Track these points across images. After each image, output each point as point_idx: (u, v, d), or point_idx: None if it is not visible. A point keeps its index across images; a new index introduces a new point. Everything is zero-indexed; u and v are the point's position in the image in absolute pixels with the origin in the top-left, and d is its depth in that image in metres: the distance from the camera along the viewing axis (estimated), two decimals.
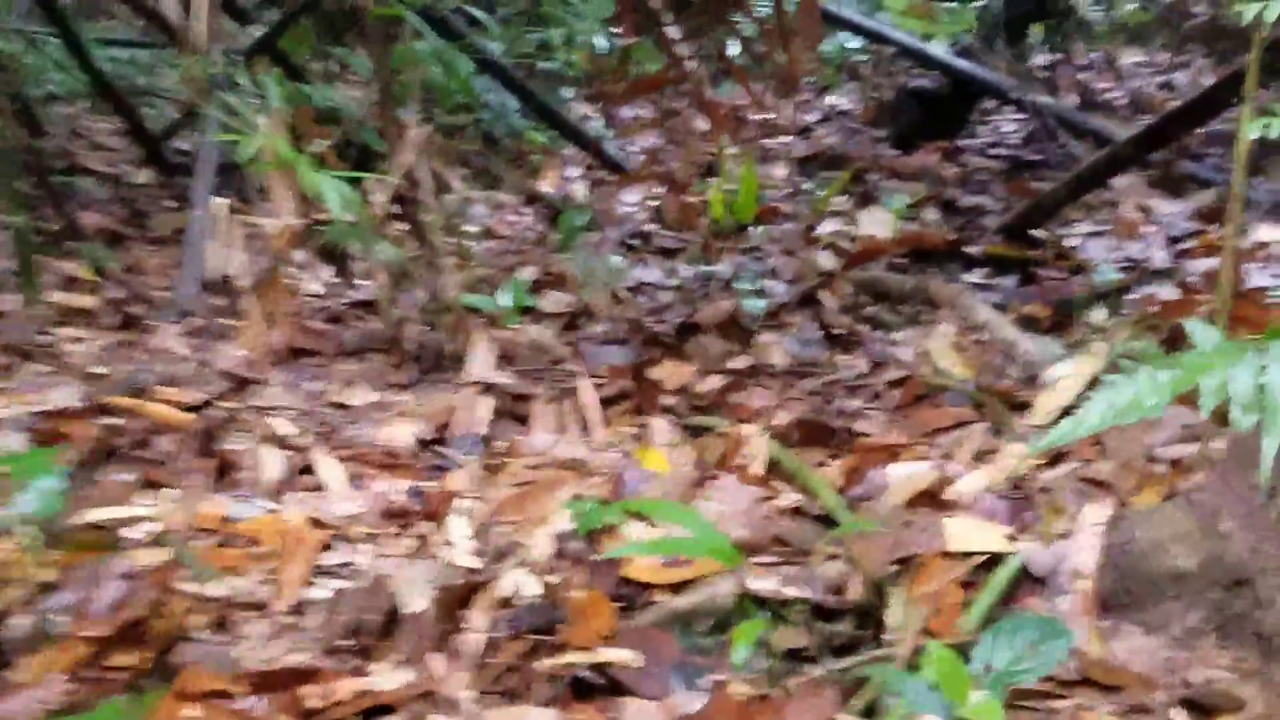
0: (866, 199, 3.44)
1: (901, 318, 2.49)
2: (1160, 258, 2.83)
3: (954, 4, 4.06)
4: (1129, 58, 5.44)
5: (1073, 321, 2.41)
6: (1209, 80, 4.60)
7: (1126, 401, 1.04)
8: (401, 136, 2.22)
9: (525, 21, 4.86)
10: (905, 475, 1.64)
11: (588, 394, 2.06)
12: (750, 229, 3.20)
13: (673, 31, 2.31)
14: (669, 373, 2.20)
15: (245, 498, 1.82)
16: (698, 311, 2.50)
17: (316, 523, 1.67)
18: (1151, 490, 1.48)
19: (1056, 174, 3.76)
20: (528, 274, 3.01)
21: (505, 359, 2.23)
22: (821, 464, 1.80)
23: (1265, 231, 2.89)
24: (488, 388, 2.06)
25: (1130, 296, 2.50)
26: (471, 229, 3.51)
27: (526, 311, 2.45)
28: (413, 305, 2.34)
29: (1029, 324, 2.41)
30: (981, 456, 1.77)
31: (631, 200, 3.73)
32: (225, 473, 1.88)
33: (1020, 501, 1.47)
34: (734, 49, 3.29)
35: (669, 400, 2.06)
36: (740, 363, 2.26)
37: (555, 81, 4.74)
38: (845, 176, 3.32)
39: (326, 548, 1.65)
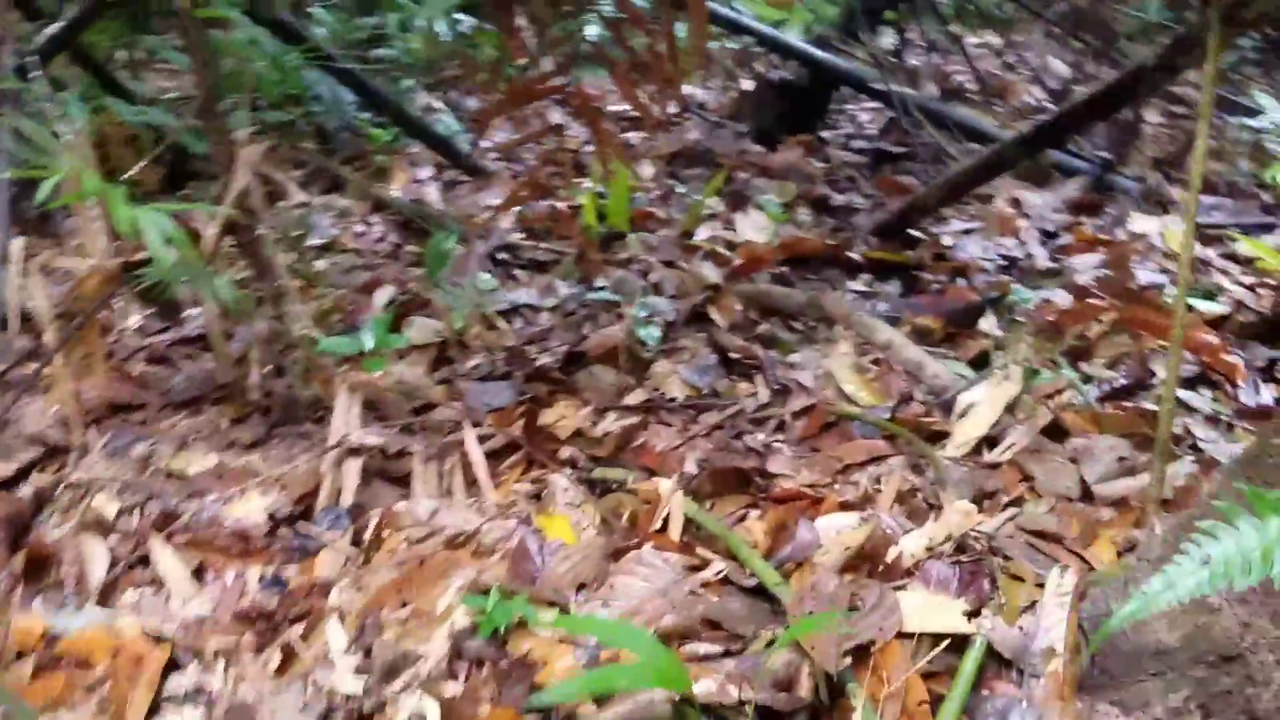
0: (739, 200, 3.31)
1: (797, 335, 2.36)
2: (1040, 255, 2.81)
3: None
4: (973, 38, 5.53)
5: (965, 332, 2.33)
6: (1061, 67, 4.71)
7: (1220, 569, 0.89)
8: (231, 155, 1.91)
9: (356, 7, 4.49)
10: (836, 533, 1.50)
11: (473, 448, 1.83)
12: (625, 237, 3.01)
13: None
14: (561, 414, 1.99)
15: (68, 604, 1.52)
16: (584, 338, 2.29)
17: (157, 637, 1.40)
18: (1103, 542, 1.38)
19: (921, 166, 3.74)
20: (384, 295, 2.73)
21: (371, 408, 1.97)
22: (742, 518, 1.64)
23: (1140, 222, 2.92)
24: (354, 448, 1.80)
25: (1017, 300, 2.45)
26: (315, 242, 3.19)
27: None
28: (253, 342, 2.04)
29: (922, 337, 2.32)
30: (905, 499, 1.66)
31: (493, 205, 3.47)
32: (40, 571, 1.57)
33: (972, 566, 1.35)
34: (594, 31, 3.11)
35: (565, 449, 1.85)
36: (637, 397, 2.08)
37: (394, 71, 4.41)
38: (720, 177, 3.17)
39: (173, 666, 1.38)
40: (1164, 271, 2.63)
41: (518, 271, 2.85)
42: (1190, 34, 1.75)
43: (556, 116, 4.49)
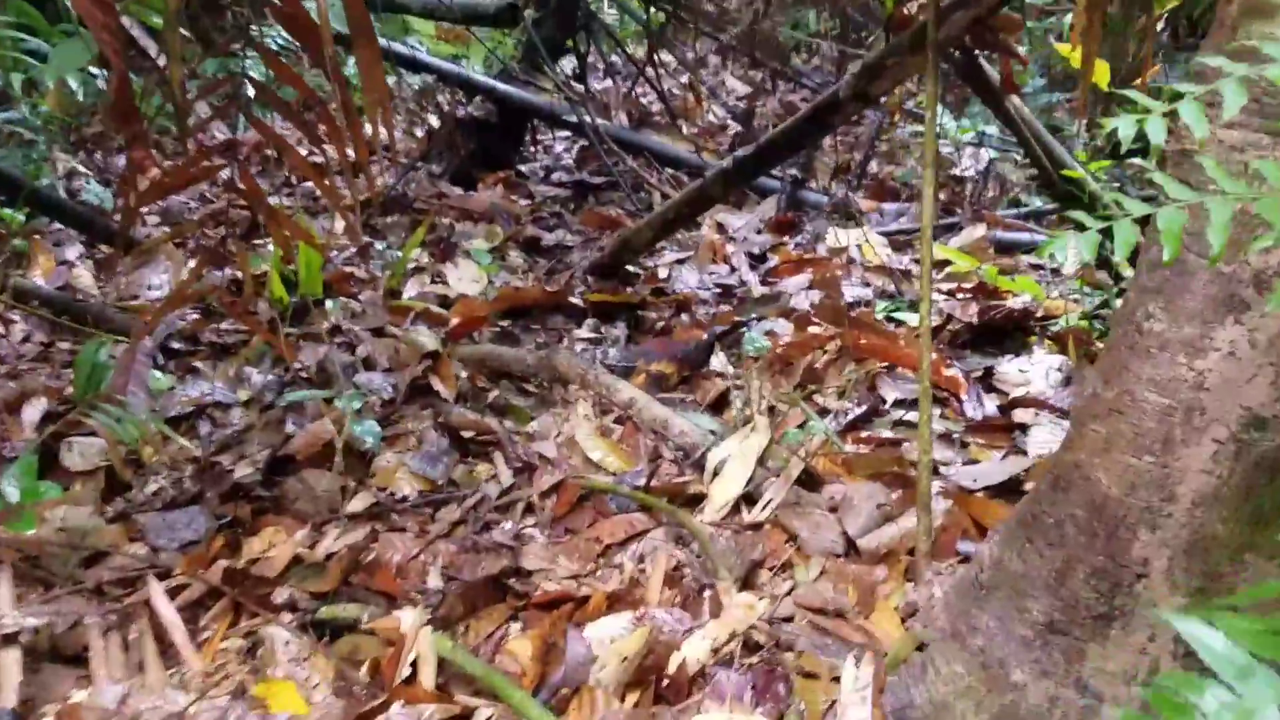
0: (447, 250, 3.09)
1: (531, 399, 2.20)
2: (752, 280, 2.82)
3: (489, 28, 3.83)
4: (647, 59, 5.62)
5: (700, 374, 2.27)
6: (738, 85, 4.85)
7: None
8: None
9: None
10: (610, 640, 1.35)
11: (162, 605, 1.51)
12: (323, 304, 2.71)
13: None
14: (270, 540, 1.70)
15: None
16: (289, 438, 2.00)
17: None
18: (884, 610, 1.32)
19: (622, 195, 3.70)
20: (35, 411, 2.29)
21: (27, 576, 1.59)
22: (503, 638, 1.45)
23: (838, 235, 3.00)
24: (9, 634, 1.43)
25: (744, 332, 2.43)
26: None
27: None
28: None
29: (659, 384, 2.24)
30: (673, 581, 1.53)
31: (157, 283, 3.04)
32: None
33: (764, 669, 1.23)
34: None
35: (279, 589, 1.57)
36: (360, 502, 1.82)
37: (24, 136, 3.80)
38: (423, 228, 2.94)
39: None
40: (866, 285, 2.71)
41: (197, 362, 2.48)
42: (882, 60, 1.77)
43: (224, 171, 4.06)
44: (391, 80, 5.13)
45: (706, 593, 1.48)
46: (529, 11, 3.62)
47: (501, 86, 3.74)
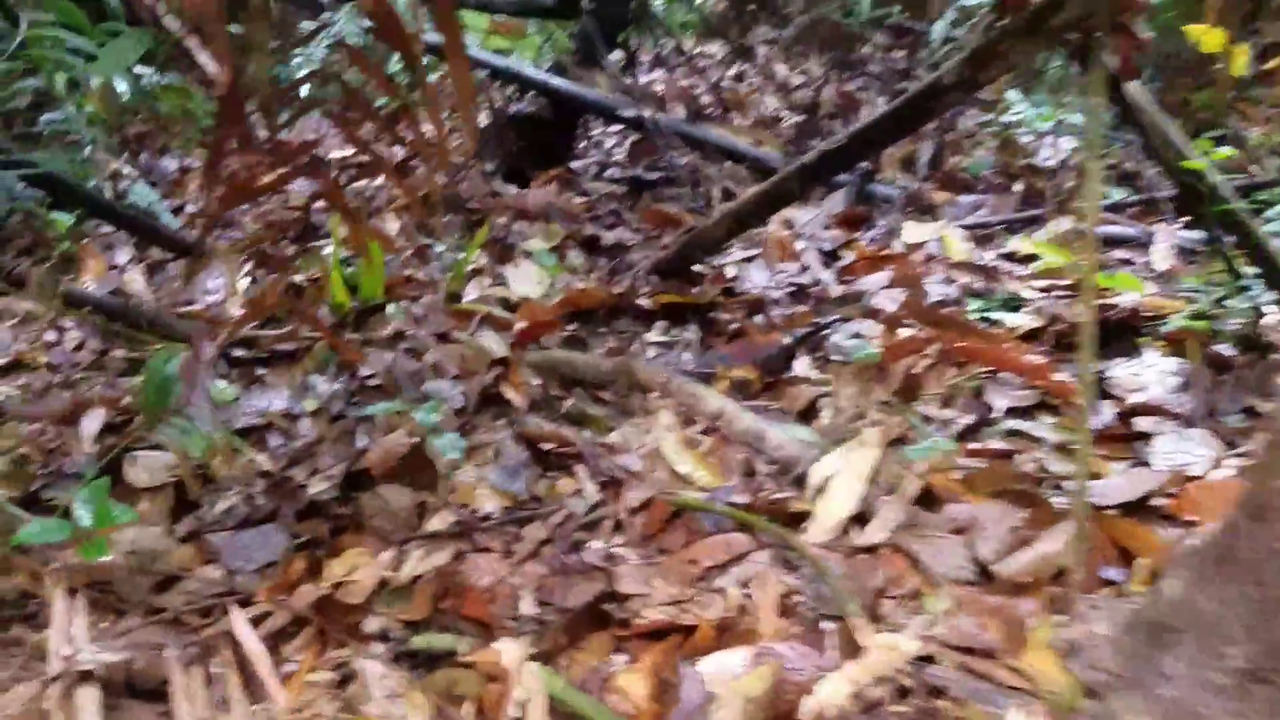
0: (505, 251, 3.00)
1: (608, 408, 2.09)
2: (827, 279, 2.70)
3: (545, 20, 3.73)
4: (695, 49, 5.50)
5: (783, 380, 2.16)
6: (790, 74, 4.72)
7: None
8: None
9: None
10: (731, 680, 1.24)
11: (246, 636, 1.42)
12: (384, 308, 2.63)
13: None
14: (353, 562, 1.61)
15: None
16: (363, 451, 1.91)
17: None
18: (1037, 648, 1.21)
19: (680, 191, 3.60)
20: (94, 422, 2.22)
21: (98, 603, 1.51)
22: (608, 677, 1.34)
23: (912, 230, 2.88)
24: (85, 671, 1.35)
25: (826, 334, 2.31)
26: None
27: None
28: None
29: (741, 391, 2.13)
30: (786, 609, 1.43)
31: (214, 287, 2.97)
32: None
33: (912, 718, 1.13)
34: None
35: (368, 615, 1.48)
36: (441, 520, 1.73)
37: (68, 138, 3.74)
38: (485, 229, 2.85)
39: None
40: (950, 282, 2.58)
41: (261, 370, 2.40)
42: (993, 44, 1.65)
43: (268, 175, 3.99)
44: (434, 77, 5.05)
45: (825, 625, 1.37)
46: (585, 2, 3.52)
47: (555, 81, 3.64)
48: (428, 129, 1.69)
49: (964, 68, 1.72)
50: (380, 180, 3.79)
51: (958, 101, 1.81)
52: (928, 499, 1.57)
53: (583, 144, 4.30)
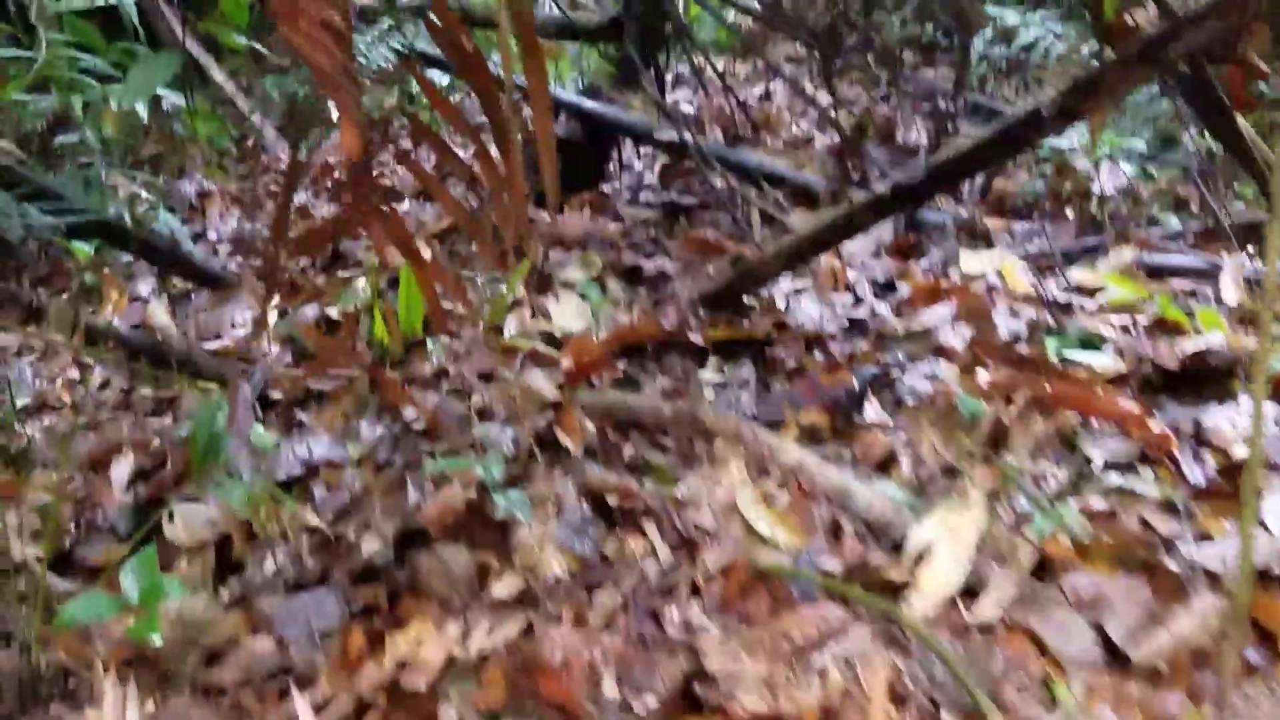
0: (544, 281, 2.89)
1: (670, 456, 1.98)
2: (885, 312, 2.59)
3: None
4: (722, 67, 5.40)
5: (857, 425, 2.05)
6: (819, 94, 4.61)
7: None
8: None
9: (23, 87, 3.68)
10: None
11: None
12: (424, 343, 2.52)
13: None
14: (416, 635, 1.49)
15: None
16: (417, 507, 1.80)
17: None
18: None
19: (717, 215, 3.49)
20: (124, 469, 2.11)
21: (142, 680, 1.39)
22: None
23: (968, 260, 2.77)
24: None
25: (895, 374, 2.20)
26: (18, 401, 2.47)
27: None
28: None
29: (812, 437, 2.02)
30: (900, 699, 1.31)
31: (240, 320, 2.86)
32: None
33: None
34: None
35: (442, 704, 1.36)
36: (508, 586, 1.61)
37: (84, 159, 3.64)
38: (528, 260, 2.74)
39: None
40: (1015, 315, 2.47)
41: (300, 413, 2.28)
42: (1100, 74, 1.54)
43: (300, 195, 3.89)
44: (460, 98, 4.94)
45: (945, 717, 1.26)
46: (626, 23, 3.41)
47: (589, 104, 3.53)
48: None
49: (1066, 97, 1.61)
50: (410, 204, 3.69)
51: (1053, 131, 1.70)
52: (1040, 569, 1.46)
53: (612, 167, 4.19)
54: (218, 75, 4.37)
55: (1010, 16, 3.90)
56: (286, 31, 0.98)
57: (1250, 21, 1.34)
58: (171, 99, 3.72)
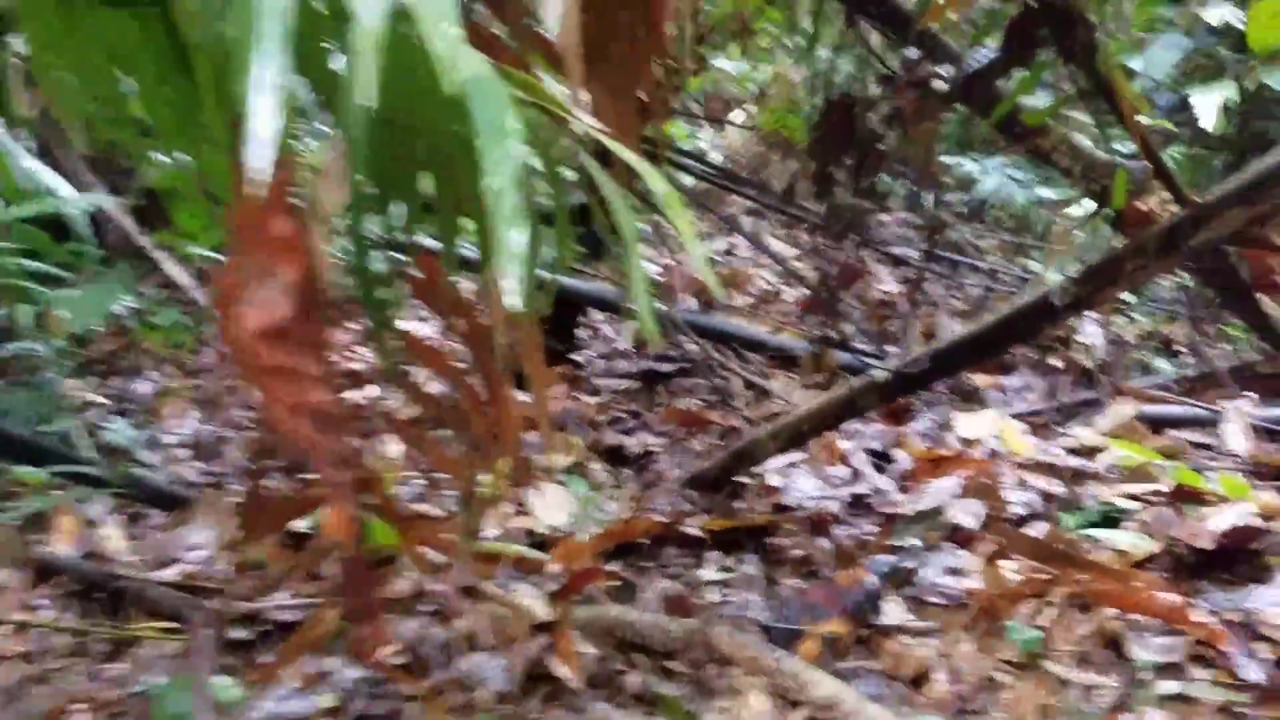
0: (520, 469, 2.74)
1: (682, 685, 1.81)
2: (888, 488, 2.47)
3: None
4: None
5: (878, 633, 1.89)
6: (783, 248, 4.61)
7: None
8: None
9: None
10: None
11: None
12: (394, 559, 2.34)
13: None
14: None
15: None
16: None
17: None
18: None
19: (696, 381, 3.41)
20: None
21: None
22: None
23: (964, 423, 2.67)
24: None
25: (911, 563, 2.06)
26: None
27: None
28: None
29: (832, 649, 1.86)
30: None
31: (198, 542, 2.66)
32: None
33: None
34: None
35: None
36: None
37: (30, 369, 3.48)
38: (506, 459, 2.60)
39: None
40: (1023, 485, 2.36)
41: (259, 647, 2.08)
42: (1116, 262, 1.48)
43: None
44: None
45: None
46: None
47: (547, 276, 3.47)
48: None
49: (1079, 285, 1.54)
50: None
51: (1066, 319, 1.62)
52: None
53: (579, 333, 4.12)
54: (172, 269, 4.28)
55: (967, 164, 3.96)
56: (268, 416, 0.83)
57: (1277, 205, 1.28)
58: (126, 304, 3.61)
